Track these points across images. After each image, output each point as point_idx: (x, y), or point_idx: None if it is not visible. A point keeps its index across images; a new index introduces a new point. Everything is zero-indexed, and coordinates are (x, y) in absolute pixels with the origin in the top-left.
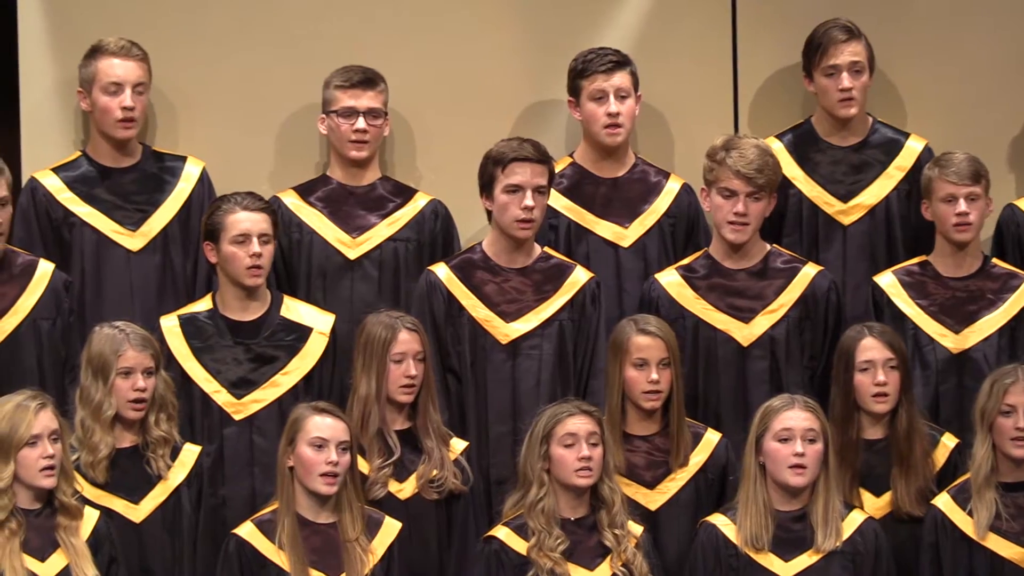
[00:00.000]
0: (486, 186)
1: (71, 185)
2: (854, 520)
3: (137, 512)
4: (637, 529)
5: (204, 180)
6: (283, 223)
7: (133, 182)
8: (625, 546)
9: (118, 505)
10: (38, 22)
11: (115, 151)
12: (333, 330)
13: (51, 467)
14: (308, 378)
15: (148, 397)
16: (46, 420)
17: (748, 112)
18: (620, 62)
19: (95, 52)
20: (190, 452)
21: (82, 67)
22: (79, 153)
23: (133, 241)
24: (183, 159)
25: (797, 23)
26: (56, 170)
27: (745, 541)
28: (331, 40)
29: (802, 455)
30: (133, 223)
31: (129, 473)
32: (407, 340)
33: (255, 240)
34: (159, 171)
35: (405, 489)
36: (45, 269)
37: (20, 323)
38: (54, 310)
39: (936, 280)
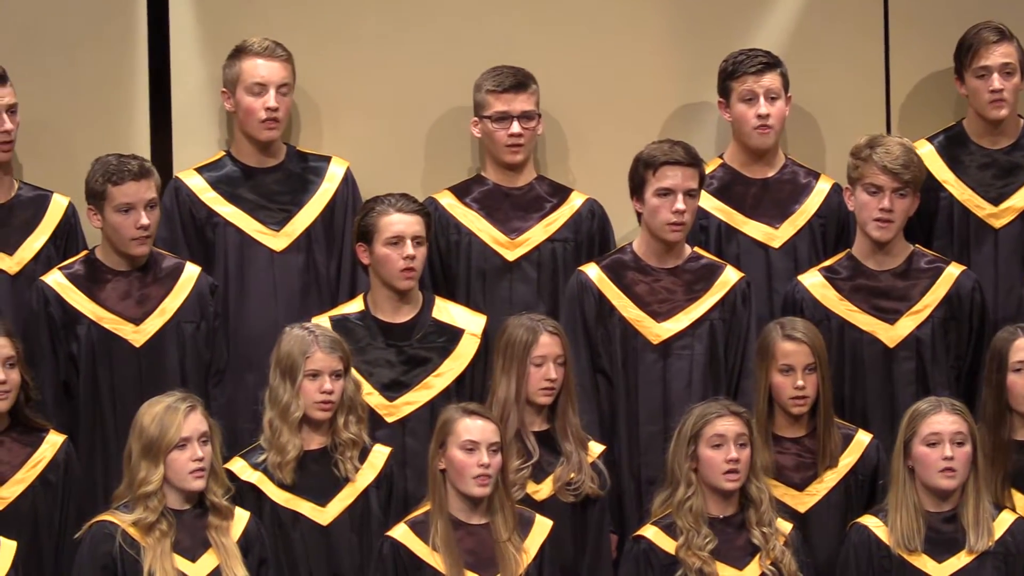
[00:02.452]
0: (636, 189)
1: (214, 185)
2: (1004, 521)
3: (324, 515)
4: (786, 527)
5: (348, 180)
6: (440, 225)
7: (277, 182)
8: (773, 544)
9: (305, 508)
10: (189, 23)
11: (259, 151)
12: (485, 332)
13: (201, 470)
14: (460, 380)
15: (336, 400)
16: (195, 423)
17: (899, 114)
18: (770, 63)
19: (239, 52)
20: (379, 453)
21: (226, 67)
22: (223, 153)
23: (276, 241)
24: (327, 159)
25: (949, 25)
26: (199, 170)
27: (897, 542)
28: (481, 41)
29: (951, 459)
30: (276, 223)
31: (317, 475)
32: (548, 343)
33: (409, 242)
34: (303, 171)
35: (542, 491)
36: (191, 272)
37: (164, 325)
38: (198, 313)
39: None
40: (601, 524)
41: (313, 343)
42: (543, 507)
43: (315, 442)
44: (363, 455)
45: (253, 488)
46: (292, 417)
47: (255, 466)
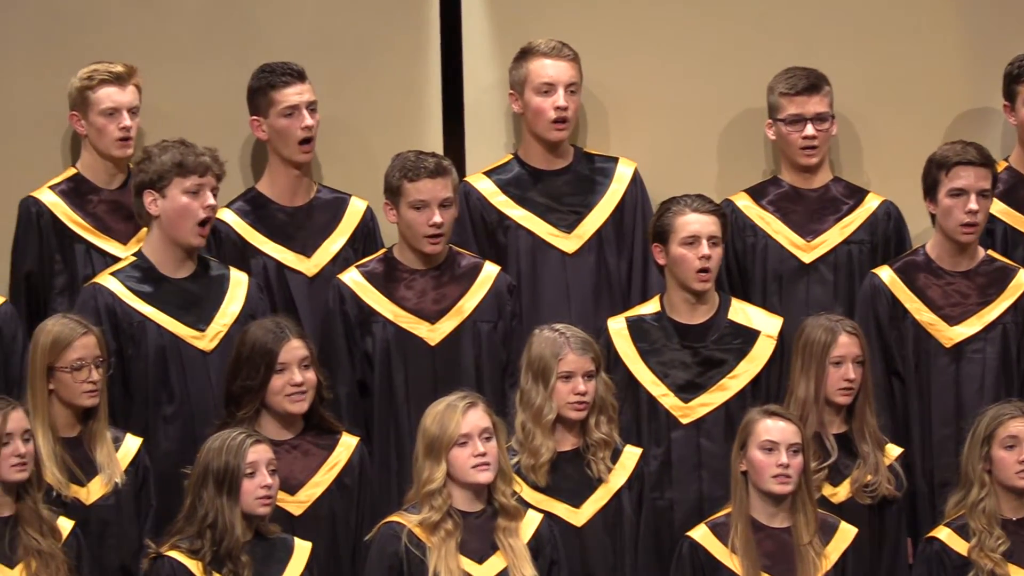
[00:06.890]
0: (929, 190)
1: (504, 188)
2: None
3: (578, 516)
4: None
5: (637, 181)
6: (737, 226)
7: (566, 184)
8: None
9: (559, 509)
10: (482, 26)
11: (547, 153)
12: (781, 333)
13: (484, 464)
14: (755, 382)
15: (590, 400)
16: (475, 419)
17: None
18: None
19: (525, 54)
20: (631, 454)
21: (512, 69)
22: (510, 156)
23: (568, 243)
24: (615, 160)
25: None
26: (488, 173)
27: None
28: (773, 42)
29: None
30: (567, 225)
31: (570, 476)
32: (847, 343)
33: (704, 242)
34: (591, 172)
35: (839, 493)
36: (489, 272)
37: (460, 324)
38: (496, 313)
39: None
40: (898, 526)
41: (565, 344)
42: (841, 510)
43: (567, 443)
44: (615, 456)
45: None
46: (545, 419)
47: None
